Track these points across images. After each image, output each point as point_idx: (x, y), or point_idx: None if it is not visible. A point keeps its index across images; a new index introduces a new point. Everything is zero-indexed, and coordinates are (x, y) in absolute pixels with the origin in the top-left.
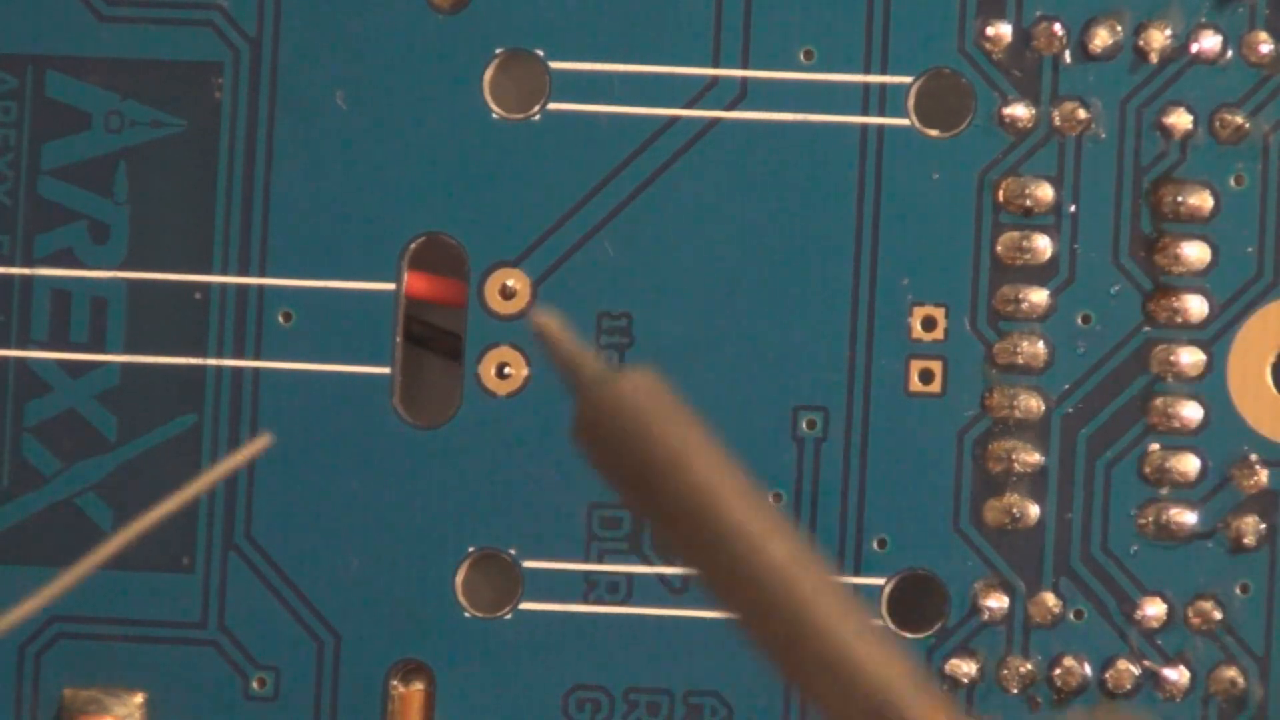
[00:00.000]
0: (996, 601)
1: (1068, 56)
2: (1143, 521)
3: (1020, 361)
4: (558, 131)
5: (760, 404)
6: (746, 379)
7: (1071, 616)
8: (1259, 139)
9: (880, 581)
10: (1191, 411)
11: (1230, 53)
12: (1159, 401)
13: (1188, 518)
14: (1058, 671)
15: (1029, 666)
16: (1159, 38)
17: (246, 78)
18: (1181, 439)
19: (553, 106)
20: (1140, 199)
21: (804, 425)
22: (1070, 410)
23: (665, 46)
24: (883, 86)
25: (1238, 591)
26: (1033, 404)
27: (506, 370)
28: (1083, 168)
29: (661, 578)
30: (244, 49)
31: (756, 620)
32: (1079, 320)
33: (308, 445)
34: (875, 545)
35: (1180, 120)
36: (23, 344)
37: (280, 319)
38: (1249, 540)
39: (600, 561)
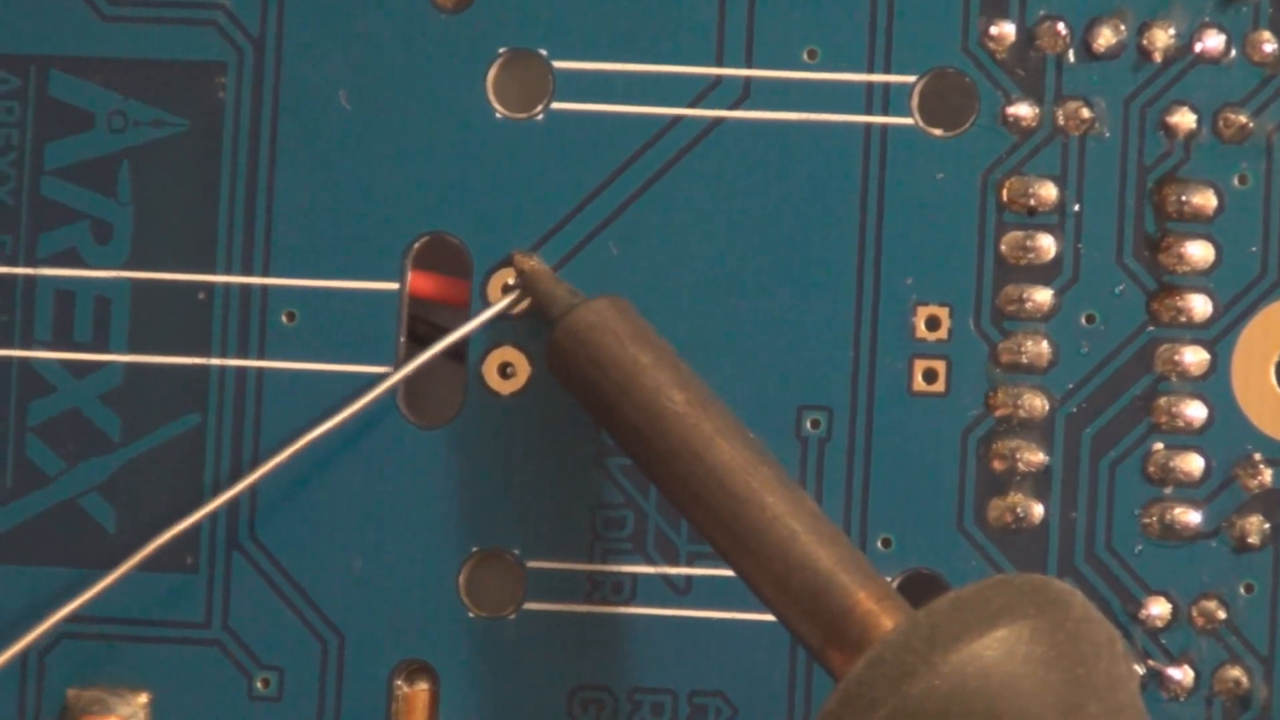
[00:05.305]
0: None
1: (1071, 56)
2: (1147, 521)
3: (1024, 361)
4: (561, 131)
5: (764, 403)
6: (751, 378)
7: None
8: (1262, 138)
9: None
10: (1195, 411)
11: (1234, 52)
12: (1163, 401)
13: (1192, 517)
14: None
15: None
16: (1162, 37)
17: (250, 77)
18: (1185, 438)
19: (556, 106)
20: (1144, 198)
21: (808, 425)
22: (1074, 410)
23: (669, 46)
24: (886, 86)
25: (1242, 591)
26: (1037, 403)
27: (509, 370)
28: (1086, 167)
29: (665, 578)
30: (247, 49)
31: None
32: (1083, 320)
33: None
34: (880, 545)
35: (1184, 119)
36: (26, 344)
37: (284, 319)
38: (1253, 540)
39: (604, 561)
